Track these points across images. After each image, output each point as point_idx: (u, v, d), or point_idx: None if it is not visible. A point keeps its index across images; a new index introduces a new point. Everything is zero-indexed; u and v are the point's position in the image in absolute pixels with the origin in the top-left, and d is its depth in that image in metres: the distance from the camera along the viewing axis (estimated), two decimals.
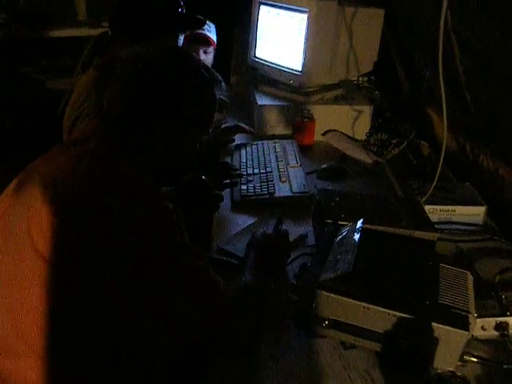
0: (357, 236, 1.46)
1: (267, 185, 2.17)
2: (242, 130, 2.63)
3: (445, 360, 1.27)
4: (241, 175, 2.23)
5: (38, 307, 1.22)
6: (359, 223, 1.52)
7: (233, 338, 1.32)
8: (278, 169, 2.29)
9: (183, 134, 1.45)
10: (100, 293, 1.21)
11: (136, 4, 2.05)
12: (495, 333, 1.41)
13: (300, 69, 2.67)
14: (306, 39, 2.59)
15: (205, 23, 1.63)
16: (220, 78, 1.50)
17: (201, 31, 2.92)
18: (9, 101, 4.51)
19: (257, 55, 2.94)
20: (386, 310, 1.28)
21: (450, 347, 1.26)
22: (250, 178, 2.23)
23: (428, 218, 1.74)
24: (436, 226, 1.73)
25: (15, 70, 4.69)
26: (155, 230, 1.23)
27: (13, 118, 4.51)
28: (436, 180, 1.88)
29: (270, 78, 2.91)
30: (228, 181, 2.17)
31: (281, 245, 1.68)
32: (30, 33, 4.46)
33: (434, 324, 1.25)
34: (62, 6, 4.65)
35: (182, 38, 2.17)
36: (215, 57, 3.11)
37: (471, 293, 1.38)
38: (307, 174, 2.31)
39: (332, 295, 1.30)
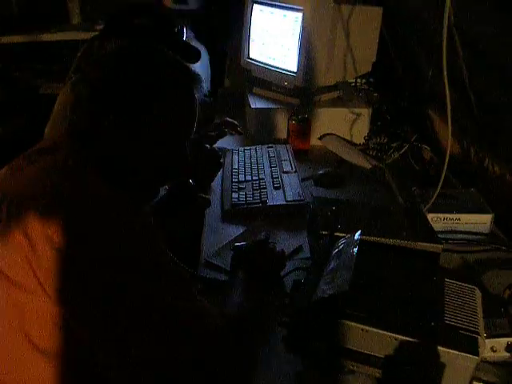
0: (354, 249, 1.35)
1: (259, 193, 2.07)
2: (225, 135, 2.56)
3: None
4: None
5: (8, 337, 1.13)
6: (357, 235, 1.41)
7: (224, 370, 1.17)
8: (272, 175, 2.20)
9: (157, 143, 1.32)
10: (75, 321, 1.10)
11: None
12: (506, 354, 1.32)
13: (295, 70, 2.59)
14: (301, 39, 2.51)
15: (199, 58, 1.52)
16: (200, 77, 1.38)
17: None
18: (1, 106, 4.47)
19: (250, 56, 2.85)
20: (387, 333, 1.17)
21: (457, 373, 1.15)
22: (242, 186, 2.14)
23: (431, 227, 1.63)
24: (439, 236, 1.62)
25: (8, 75, 4.65)
26: (131, 251, 1.11)
27: (5, 123, 4.46)
28: (440, 186, 1.79)
29: (263, 79, 2.83)
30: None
31: (271, 259, 1.58)
32: (23, 37, 4.41)
33: (439, 348, 1.14)
34: (55, 10, 4.61)
35: None
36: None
37: (480, 311, 1.28)
38: (302, 180, 2.22)
39: (327, 317, 1.20)
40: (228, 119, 2.61)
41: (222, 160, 2.14)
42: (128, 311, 1.08)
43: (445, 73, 1.62)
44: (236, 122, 2.62)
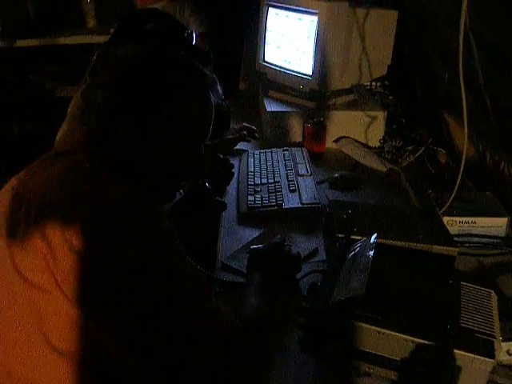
0: (370, 252, 1.35)
1: (275, 195, 2.08)
2: (244, 138, 2.60)
3: None
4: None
5: (27, 339, 1.14)
6: (373, 238, 1.42)
7: (239, 372, 1.17)
8: (287, 178, 2.21)
9: (172, 145, 1.33)
10: (92, 321, 1.11)
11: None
12: None
13: (310, 73, 2.59)
14: (316, 42, 2.51)
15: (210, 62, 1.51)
16: (216, 80, 1.39)
17: None
18: (17, 108, 4.50)
19: (265, 59, 2.86)
20: (403, 336, 1.17)
21: (473, 376, 1.15)
22: (258, 189, 2.15)
23: (447, 230, 1.63)
24: (455, 239, 1.63)
25: (24, 78, 4.68)
26: (149, 253, 1.12)
27: (20, 125, 4.49)
28: (456, 190, 1.79)
29: (279, 83, 2.83)
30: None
31: (287, 261, 1.58)
32: (39, 40, 4.44)
33: (455, 351, 1.15)
34: (70, 13, 4.64)
35: None
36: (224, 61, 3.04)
37: (496, 314, 1.27)
38: (318, 183, 2.23)
39: (343, 319, 1.20)
40: (246, 124, 2.63)
41: (233, 170, 2.15)
42: (140, 313, 1.09)
43: (461, 76, 1.62)
44: (254, 127, 2.64)
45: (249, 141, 2.61)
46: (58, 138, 1.35)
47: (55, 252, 1.08)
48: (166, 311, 1.10)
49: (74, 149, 1.27)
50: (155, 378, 1.12)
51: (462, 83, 1.63)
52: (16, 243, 1.13)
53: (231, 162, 2.15)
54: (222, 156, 2.12)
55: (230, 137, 2.55)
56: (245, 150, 2.54)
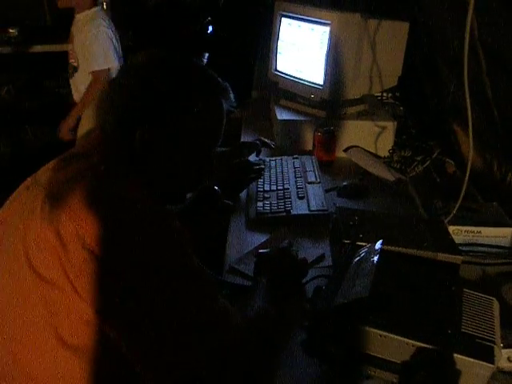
0: (375, 258, 1.38)
1: (284, 202, 2.10)
2: (262, 147, 2.60)
3: None
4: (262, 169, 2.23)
5: (39, 334, 1.17)
6: (378, 244, 1.44)
7: (243, 373, 1.20)
8: (296, 185, 2.23)
9: (184, 150, 1.38)
10: (103, 318, 1.14)
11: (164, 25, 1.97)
12: None
13: (321, 83, 2.61)
14: (328, 52, 2.53)
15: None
16: (228, 87, 1.43)
17: None
18: (31, 113, 4.54)
19: (277, 68, 2.89)
20: (405, 339, 1.19)
21: (472, 381, 1.17)
22: (267, 195, 2.17)
23: (452, 239, 1.64)
24: (460, 248, 1.63)
25: (39, 83, 4.72)
26: (160, 253, 1.16)
27: (34, 130, 4.53)
28: (461, 199, 1.80)
29: (290, 91, 2.85)
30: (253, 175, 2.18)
31: (293, 266, 1.60)
32: (55, 46, 4.49)
33: (456, 355, 1.16)
34: None
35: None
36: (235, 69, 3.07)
37: (497, 321, 1.29)
38: (327, 191, 2.25)
39: (346, 322, 1.22)
40: (262, 139, 2.65)
41: (259, 167, 2.18)
42: (148, 311, 1.12)
43: (466, 86, 1.63)
44: (270, 143, 2.67)
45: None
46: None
47: (68, 249, 1.11)
48: (174, 310, 1.14)
49: (89, 151, 1.31)
50: (162, 375, 1.14)
51: (467, 95, 1.64)
52: (30, 240, 1.17)
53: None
54: (242, 158, 2.15)
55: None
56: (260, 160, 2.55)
